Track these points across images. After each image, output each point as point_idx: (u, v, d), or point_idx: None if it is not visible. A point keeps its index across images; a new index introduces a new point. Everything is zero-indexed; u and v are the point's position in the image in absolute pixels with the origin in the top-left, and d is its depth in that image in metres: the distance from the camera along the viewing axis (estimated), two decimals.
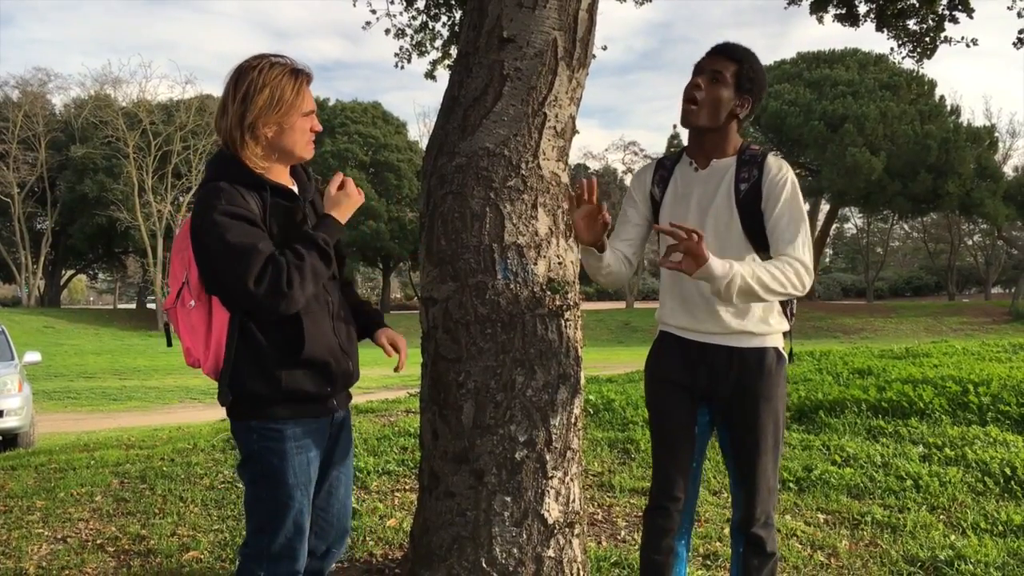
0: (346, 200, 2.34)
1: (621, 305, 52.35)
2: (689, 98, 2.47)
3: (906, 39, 6.94)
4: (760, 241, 2.45)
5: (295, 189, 2.34)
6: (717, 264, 2.21)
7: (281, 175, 2.31)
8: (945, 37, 6.81)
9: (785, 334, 2.58)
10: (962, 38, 6.86)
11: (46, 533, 4.14)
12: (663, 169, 2.64)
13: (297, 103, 2.23)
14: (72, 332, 38.07)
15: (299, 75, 2.25)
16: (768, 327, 2.50)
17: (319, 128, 2.34)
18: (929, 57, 6.93)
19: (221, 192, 2.14)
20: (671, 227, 2.22)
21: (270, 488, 2.24)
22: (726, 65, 2.44)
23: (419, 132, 60.15)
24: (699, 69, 2.48)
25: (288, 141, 2.26)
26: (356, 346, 2.46)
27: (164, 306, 2.35)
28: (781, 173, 2.42)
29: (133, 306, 63.24)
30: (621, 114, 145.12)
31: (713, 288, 2.26)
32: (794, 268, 2.33)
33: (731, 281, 2.22)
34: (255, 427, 2.22)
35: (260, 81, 2.18)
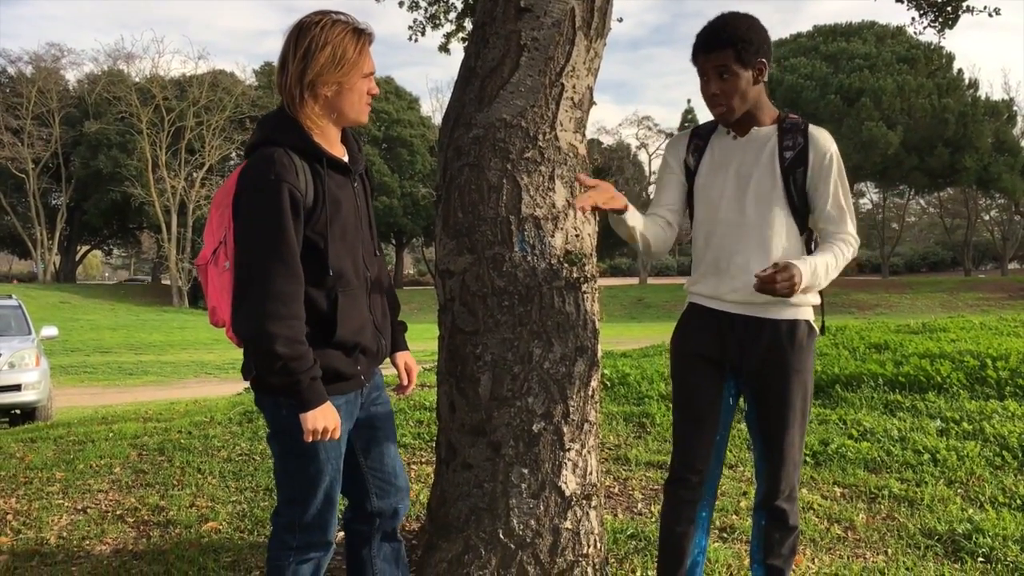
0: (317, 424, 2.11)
1: (634, 281, 52.33)
2: (713, 104, 2.45)
3: (927, 9, 6.82)
4: (799, 206, 2.46)
5: (347, 159, 2.27)
6: (806, 274, 2.28)
7: (334, 140, 2.24)
8: (967, 7, 6.69)
9: (816, 308, 2.56)
10: (984, 7, 6.73)
11: (66, 504, 4.19)
12: (698, 138, 2.60)
13: (359, 63, 2.16)
14: (88, 307, 38.38)
15: (361, 35, 2.17)
16: (804, 298, 2.48)
17: (376, 91, 2.26)
18: (951, 27, 6.81)
19: (276, 166, 2.05)
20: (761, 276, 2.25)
21: (302, 463, 2.20)
22: (723, 55, 2.38)
23: (432, 107, 60.05)
24: (702, 71, 2.44)
25: (347, 102, 2.18)
26: (389, 322, 2.44)
27: (197, 261, 2.30)
28: (829, 150, 2.43)
29: (148, 281, 63.61)
30: (634, 89, 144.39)
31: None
32: (849, 245, 2.45)
33: (814, 282, 2.33)
34: (284, 403, 2.13)
35: (322, 38, 2.10)
